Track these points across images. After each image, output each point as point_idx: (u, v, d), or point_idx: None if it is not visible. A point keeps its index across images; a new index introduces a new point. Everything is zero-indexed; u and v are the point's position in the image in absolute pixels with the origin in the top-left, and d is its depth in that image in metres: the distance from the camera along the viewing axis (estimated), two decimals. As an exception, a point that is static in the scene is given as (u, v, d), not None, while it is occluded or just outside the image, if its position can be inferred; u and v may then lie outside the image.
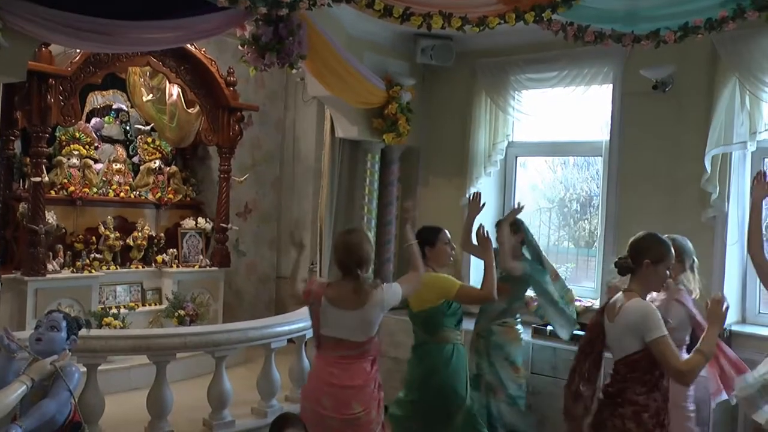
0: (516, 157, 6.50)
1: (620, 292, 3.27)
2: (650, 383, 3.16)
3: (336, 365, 3.38)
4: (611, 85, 5.59)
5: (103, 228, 6.22)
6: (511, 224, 4.78)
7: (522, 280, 4.77)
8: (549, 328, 5.21)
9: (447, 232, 4.27)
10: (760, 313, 5.15)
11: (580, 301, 5.51)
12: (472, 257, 6.15)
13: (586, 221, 6.26)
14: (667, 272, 3.25)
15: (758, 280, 5.19)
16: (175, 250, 6.68)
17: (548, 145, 6.32)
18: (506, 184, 6.50)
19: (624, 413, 3.20)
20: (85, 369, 4.05)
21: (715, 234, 5.04)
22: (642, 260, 3.18)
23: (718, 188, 4.95)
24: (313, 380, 3.51)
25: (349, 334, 3.37)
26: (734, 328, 5.05)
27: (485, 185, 6.29)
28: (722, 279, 5.04)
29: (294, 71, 5.00)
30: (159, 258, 6.57)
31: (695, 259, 4.10)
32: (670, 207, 5.23)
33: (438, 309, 4.02)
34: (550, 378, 5.12)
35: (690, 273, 4.05)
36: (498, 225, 4.85)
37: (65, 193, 6.04)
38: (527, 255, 4.92)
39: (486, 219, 6.39)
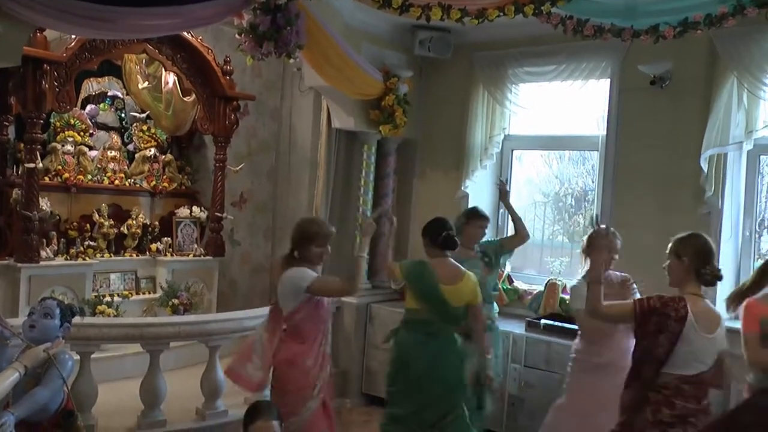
0: (512, 151, 6.51)
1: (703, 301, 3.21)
2: None
3: None
4: (609, 80, 5.59)
5: (97, 215, 6.20)
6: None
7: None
8: (543, 322, 5.23)
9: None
10: (753, 309, 5.16)
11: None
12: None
13: (581, 216, 6.26)
14: None
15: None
16: (169, 238, 6.67)
17: (544, 138, 6.33)
18: (502, 177, 6.49)
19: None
20: (78, 357, 4.05)
21: (709, 230, 5.04)
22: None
23: (714, 186, 4.97)
24: None
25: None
26: (728, 324, 5.06)
27: (481, 178, 6.30)
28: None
29: (291, 61, 4.97)
30: (153, 246, 6.55)
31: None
32: (664, 202, 5.25)
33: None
34: (543, 371, 5.14)
35: None
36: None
37: (59, 180, 6.01)
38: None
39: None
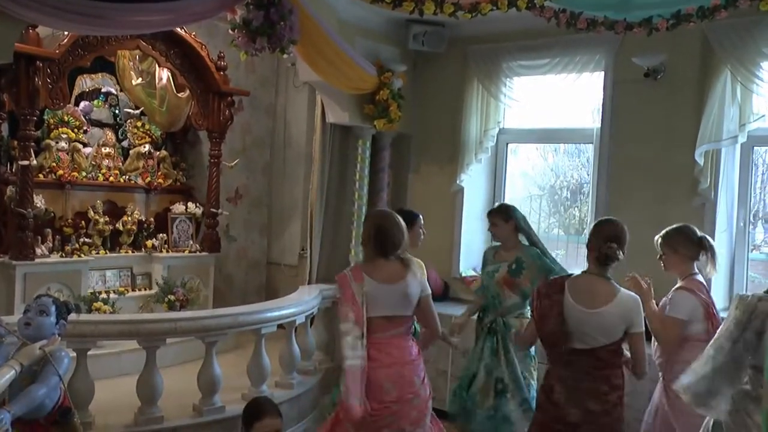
0: (507, 144, 6.51)
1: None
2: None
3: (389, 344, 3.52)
4: (603, 73, 5.60)
5: (92, 212, 6.18)
6: (503, 212, 4.66)
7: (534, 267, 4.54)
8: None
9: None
10: (747, 300, 5.19)
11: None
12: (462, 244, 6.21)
13: (576, 208, 6.28)
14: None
15: (745, 267, 5.27)
16: (165, 235, 6.66)
17: (539, 132, 6.34)
18: (497, 171, 6.51)
19: (610, 399, 3.25)
20: (74, 354, 4.04)
21: (704, 221, 5.07)
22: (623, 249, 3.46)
23: (709, 179, 4.98)
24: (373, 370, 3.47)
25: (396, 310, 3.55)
26: (722, 315, 5.08)
27: (476, 172, 6.30)
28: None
29: (285, 56, 4.96)
30: (149, 243, 6.54)
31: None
32: (659, 194, 5.26)
33: None
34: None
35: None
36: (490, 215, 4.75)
37: (54, 177, 5.99)
38: (524, 241, 4.70)
39: (476, 207, 6.45)
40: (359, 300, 3.47)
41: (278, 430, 3.03)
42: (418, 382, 3.52)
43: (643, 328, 3.39)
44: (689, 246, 3.79)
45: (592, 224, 3.68)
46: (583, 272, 3.51)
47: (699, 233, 3.84)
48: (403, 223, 3.69)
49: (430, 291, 3.70)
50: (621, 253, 3.38)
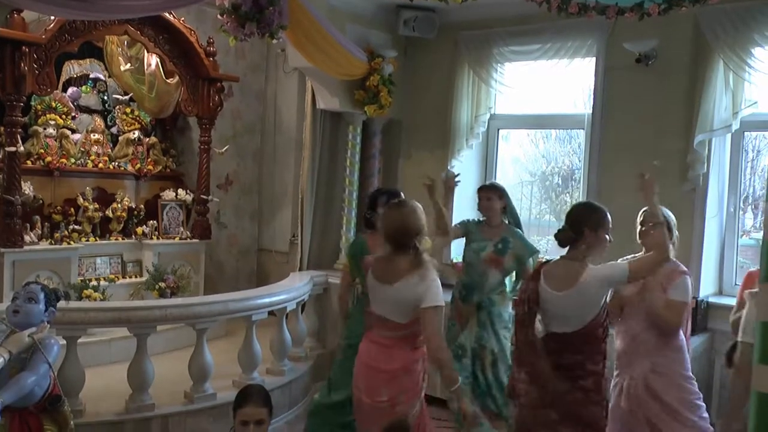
0: (498, 130, 6.50)
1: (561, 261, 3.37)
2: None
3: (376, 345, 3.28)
4: (594, 59, 5.58)
5: (81, 199, 6.14)
6: (499, 189, 4.72)
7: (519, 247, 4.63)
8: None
9: None
10: (736, 284, 5.21)
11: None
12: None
13: (567, 195, 6.28)
14: (607, 237, 3.36)
15: (735, 252, 5.29)
16: (155, 221, 6.62)
17: (530, 117, 6.33)
18: (488, 156, 6.51)
19: (585, 385, 3.25)
20: (64, 342, 4.02)
21: (694, 207, 5.08)
22: (582, 229, 3.29)
23: (705, 165, 4.99)
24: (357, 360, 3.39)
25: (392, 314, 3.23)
26: (711, 299, 5.12)
27: (467, 158, 6.29)
28: (701, 251, 5.10)
29: (275, 42, 4.93)
30: (139, 230, 6.51)
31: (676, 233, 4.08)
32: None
33: None
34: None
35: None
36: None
37: (42, 164, 5.94)
38: (506, 221, 4.76)
39: (467, 193, 6.43)
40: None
41: (261, 419, 3.00)
42: (385, 396, 3.20)
43: None
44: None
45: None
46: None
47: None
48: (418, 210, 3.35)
49: (436, 304, 3.14)
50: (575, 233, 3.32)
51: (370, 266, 3.41)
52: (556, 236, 3.39)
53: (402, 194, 4.34)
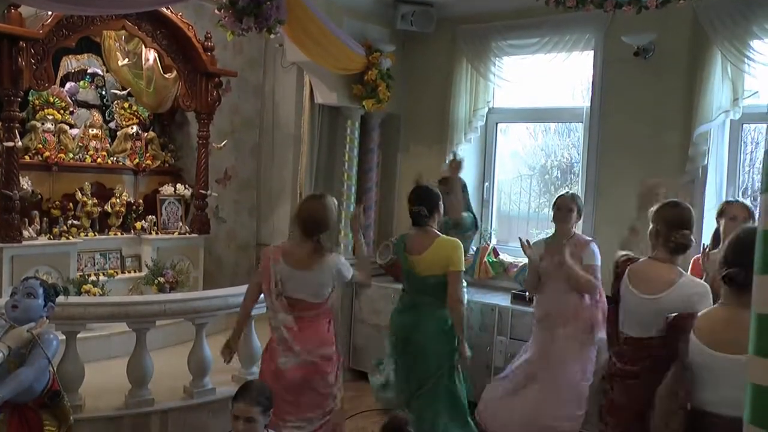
0: (496, 124, 6.49)
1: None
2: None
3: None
4: (592, 52, 5.57)
5: (80, 194, 6.14)
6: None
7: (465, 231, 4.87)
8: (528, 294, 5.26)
9: None
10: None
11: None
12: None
13: (566, 188, 6.27)
14: None
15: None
16: (154, 216, 6.63)
17: (529, 111, 6.32)
18: (487, 150, 6.50)
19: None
20: (63, 337, 4.03)
21: (693, 199, 5.08)
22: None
23: (705, 158, 4.99)
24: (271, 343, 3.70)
25: (307, 295, 3.63)
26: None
27: (466, 152, 6.28)
28: (699, 243, 5.09)
29: (272, 36, 4.92)
30: (138, 225, 6.51)
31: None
32: (649, 172, 5.26)
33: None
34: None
35: None
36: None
37: (40, 159, 5.94)
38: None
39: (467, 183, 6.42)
40: None
41: (250, 417, 3.01)
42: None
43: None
44: None
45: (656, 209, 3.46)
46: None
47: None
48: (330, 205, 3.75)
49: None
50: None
51: (279, 254, 3.67)
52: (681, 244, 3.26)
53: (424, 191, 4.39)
